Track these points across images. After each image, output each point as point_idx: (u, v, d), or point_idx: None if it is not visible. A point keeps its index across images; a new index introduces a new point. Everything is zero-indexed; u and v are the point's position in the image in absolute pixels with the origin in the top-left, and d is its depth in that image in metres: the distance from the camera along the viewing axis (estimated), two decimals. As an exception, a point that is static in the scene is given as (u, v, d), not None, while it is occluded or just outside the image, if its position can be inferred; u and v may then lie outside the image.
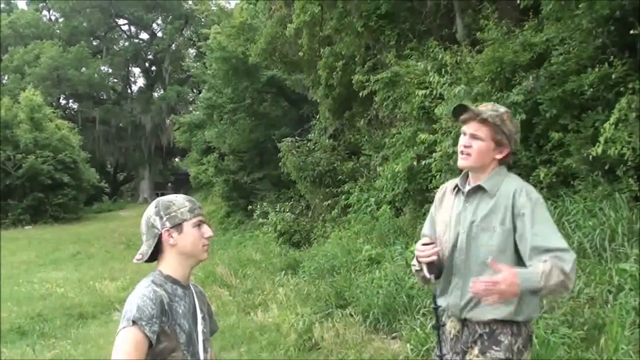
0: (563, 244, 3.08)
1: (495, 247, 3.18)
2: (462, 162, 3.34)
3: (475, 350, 3.28)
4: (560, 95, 8.28)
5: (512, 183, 3.29)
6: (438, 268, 3.28)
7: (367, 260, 10.21)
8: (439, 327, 3.34)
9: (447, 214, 3.40)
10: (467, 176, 3.42)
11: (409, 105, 11.18)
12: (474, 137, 3.26)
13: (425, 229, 3.57)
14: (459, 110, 3.34)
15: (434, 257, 3.24)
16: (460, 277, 3.30)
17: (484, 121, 3.24)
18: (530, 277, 2.90)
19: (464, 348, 3.34)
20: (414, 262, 3.45)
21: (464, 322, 3.35)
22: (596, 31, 8.31)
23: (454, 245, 3.31)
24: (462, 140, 3.32)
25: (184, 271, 2.95)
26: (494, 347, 3.24)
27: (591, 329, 5.81)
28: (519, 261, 3.15)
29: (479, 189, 3.31)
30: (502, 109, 3.30)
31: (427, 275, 3.24)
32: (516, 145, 3.36)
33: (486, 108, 3.28)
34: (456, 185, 3.42)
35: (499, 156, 3.29)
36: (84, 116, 55.53)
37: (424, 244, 3.29)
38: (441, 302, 3.42)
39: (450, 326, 3.40)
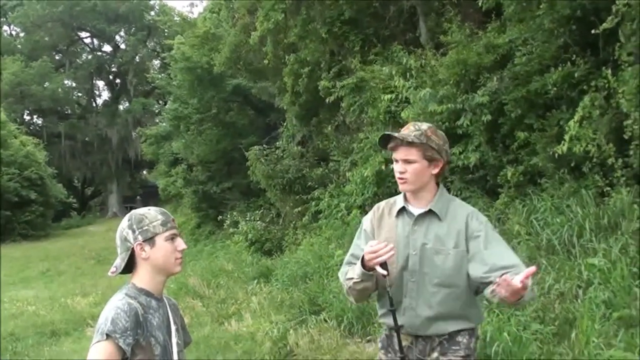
0: (517, 259, 3.23)
1: (450, 268, 3.28)
2: (403, 187, 3.40)
3: (435, 354, 3.36)
4: (525, 95, 8.39)
5: (462, 208, 3.43)
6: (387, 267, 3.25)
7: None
8: (398, 328, 3.32)
9: (391, 235, 3.41)
10: (406, 196, 3.48)
11: (375, 110, 11.25)
12: (406, 162, 3.31)
13: (362, 245, 3.48)
14: (385, 140, 3.41)
15: (393, 252, 3.21)
16: (413, 298, 3.35)
17: (410, 144, 3.29)
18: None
19: (420, 357, 3.39)
20: (351, 275, 3.45)
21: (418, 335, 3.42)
22: (558, 31, 8.43)
23: (404, 267, 3.35)
24: (396, 167, 3.37)
25: (157, 284, 2.96)
26: (453, 347, 3.35)
27: (562, 324, 5.89)
28: (468, 279, 3.29)
29: (428, 213, 3.38)
30: (425, 126, 3.35)
31: (383, 272, 3.20)
32: (448, 156, 3.44)
33: (409, 130, 3.32)
34: (403, 207, 3.45)
35: (435, 171, 3.35)
36: (49, 131, 54.60)
37: (373, 246, 3.23)
38: (388, 320, 3.42)
39: (401, 337, 3.39)
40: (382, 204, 3.62)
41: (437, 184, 3.45)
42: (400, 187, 3.42)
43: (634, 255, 6.13)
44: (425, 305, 3.32)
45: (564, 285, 6.32)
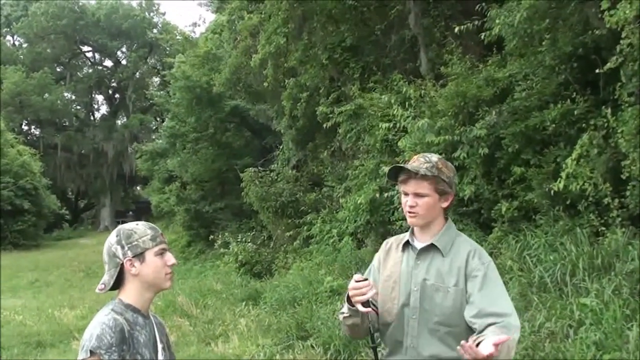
0: (509, 308, 3.06)
1: (449, 307, 3.13)
2: (412, 220, 3.25)
3: None
4: (523, 130, 8.37)
5: (465, 244, 3.27)
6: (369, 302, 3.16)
7: (328, 291, 10.16)
8: None
9: (395, 270, 3.30)
10: (414, 230, 3.35)
11: (372, 138, 11.24)
12: (417, 195, 3.17)
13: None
14: (395, 172, 3.26)
15: (374, 291, 3.13)
16: (414, 337, 3.20)
17: (422, 177, 3.15)
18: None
19: None
20: (344, 309, 3.31)
21: None
22: (559, 68, 8.44)
23: (405, 304, 3.22)
24: (406, 200, 3.21)
25: (145, 300, 2.90)
26: None
27: (552, 363, 5.83)
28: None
29: (431, 247, 3.24)
30: (435, 158, 3.22)
31: (364, 310, 3.10)
32: (456, 187, 3.33)
33: (419, 162, 3.18)
34: (407, 241, 3.32)
35: (444, 204, 3.23)
36: (46, 142, 54.74)
37: (357, 281, 3.13)
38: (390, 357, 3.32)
39: None
40: (392, 239, 3.48)
41: (446, 218, 3.32)
42: (409, 221, 3.27)
43: (627, 297, 6.08)
44: (427, 344, 3.17)
45: (555, 324, 6.26)
